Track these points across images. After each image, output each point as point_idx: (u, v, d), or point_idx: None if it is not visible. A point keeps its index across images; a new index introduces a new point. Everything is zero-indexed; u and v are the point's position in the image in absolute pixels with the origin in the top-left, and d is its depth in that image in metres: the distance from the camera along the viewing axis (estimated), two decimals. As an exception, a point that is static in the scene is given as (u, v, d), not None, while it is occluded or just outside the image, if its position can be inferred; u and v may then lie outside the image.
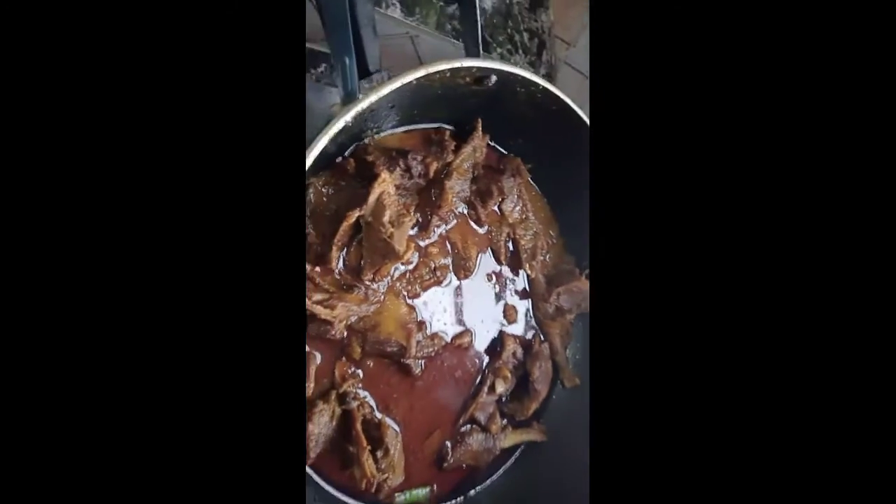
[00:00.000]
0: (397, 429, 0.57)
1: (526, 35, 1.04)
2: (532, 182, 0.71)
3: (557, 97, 0.59)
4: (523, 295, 0.71)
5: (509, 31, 1.01)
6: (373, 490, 0.49)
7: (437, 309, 0.62)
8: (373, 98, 0.42)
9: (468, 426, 0.64)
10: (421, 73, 0.44)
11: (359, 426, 0.49)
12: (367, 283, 0.53)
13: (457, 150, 0.61)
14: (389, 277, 0.56)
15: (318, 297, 0.48)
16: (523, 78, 0.55)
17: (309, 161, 0.40)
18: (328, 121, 0.42)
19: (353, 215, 0.49)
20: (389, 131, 0.57)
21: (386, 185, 0.50)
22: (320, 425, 0.48)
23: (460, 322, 0.64)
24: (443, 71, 0.47)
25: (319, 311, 0.46)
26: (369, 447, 0.49)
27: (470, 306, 0.65)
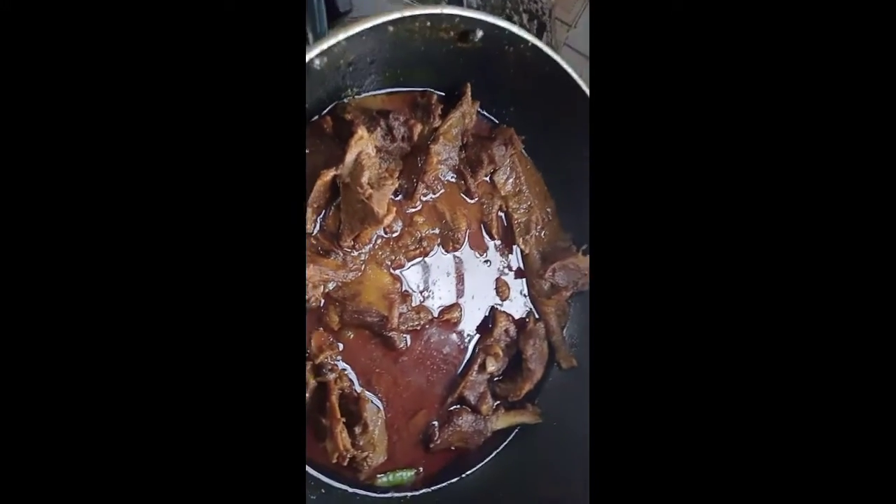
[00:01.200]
0: (379, 405, 0.54)
1: (525, 16, 1.01)
2: (526, 155, 0.68)
3: (549, 57, 0.56)
4: (517, 272, 0.68)
5: (508, 11, 0.99)
6: (344, 464, 0.46)
7: (423, 281, 0.59)
8: (341, 36, 0.39)
9: (457, 406, 0.61)
10: (395, 15, 0.41)
11: (333, 398, 0.47)
12: (347, 249, 0.50)
13: (444, 116, 0.58)
14: (371, 245, 0.53)
15: (290, 258, 0.45)
16: (510, 33, 0.52)
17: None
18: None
19: (328, 173, 0.47)
20: (372, 92, 0.54)
21: (364, 142, 0.47)
22: (293, 396, 0.45)
23: (449, 297, 0.61)
24: (421, 18, 0.44)
25: (289, 270, 0.44)
26: (344, 420, 0.46)
27: (460, 280, 0.62)
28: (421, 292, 0.58)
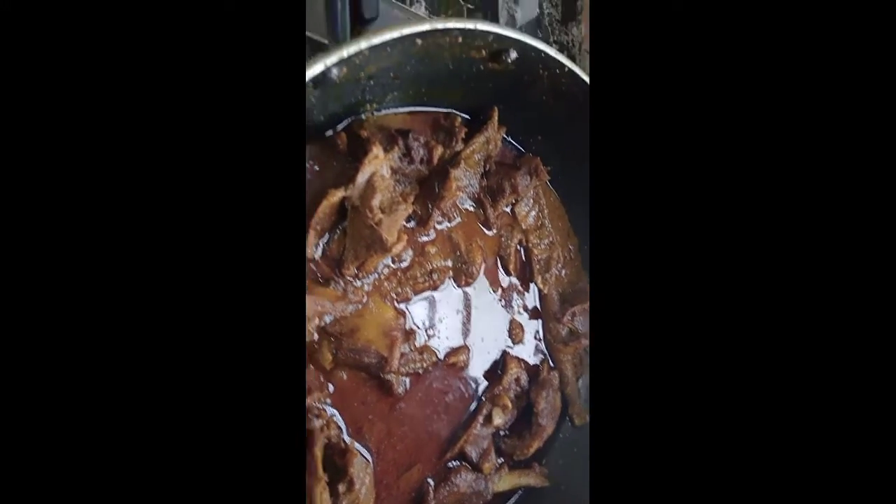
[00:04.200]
0: (368, 458, 0.47)
1: (556, 47, 0.99)
2: (551, 187, 0.63)
3: (586, 84, 0.51)
4: (533, 313, 0.62)
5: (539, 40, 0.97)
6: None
7: (429, 318, 0.53)
8: (364, 45, 0.35)
9: (456, 462, 0.54)
10: (425, 27, 0.37)
11: (317, 450, 0.40)
12: (349, 277, 0.45)
13: (468, 140, 0.53)
14: (376, 274, 0.48)
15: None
16: (547, 55, 0.48)
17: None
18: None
19: (337, 194, 0.42)
20: (392, 110, 0.50)
21: (378, 162, 0.42)
22: (270, 445, 0.39)
23: (456, 337, 0.55)
24: (454, 33, 0.40)
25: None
26: (327, 477, 0.40)
27: (470, 319, 0.56)
28: (426, 330, 0.53)
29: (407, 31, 0.37)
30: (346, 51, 0.34)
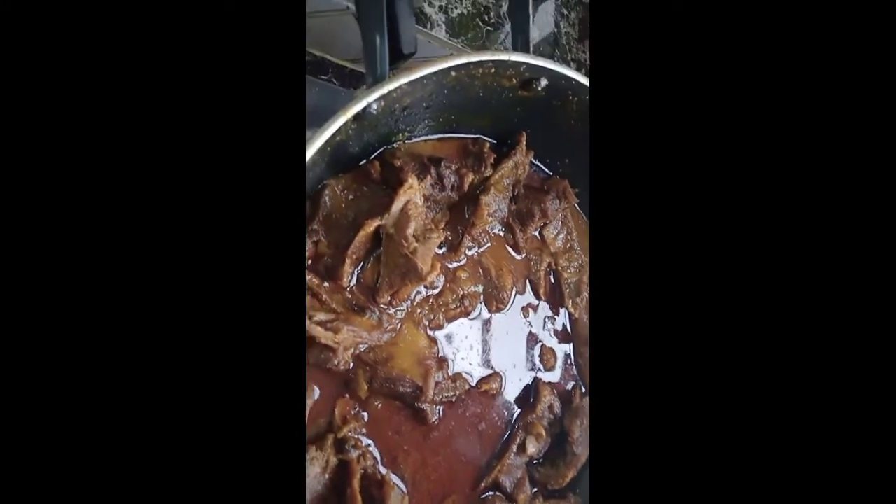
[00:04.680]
0: (404, 489, 0.46)
1: (574, 65, 1.00)
2: (579, 209, 0.63)
3: (615, 110, 0.51)
4: (564, 337, 0.61)
5: (557, 59, 0.97)
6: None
7: (462, 345, 0.52)
8: (403, 81, 0.36)
9: (490, 493, 0.52)
10: (462, 60, 0.38)
11: (356, 483, 0.40)
12: (383, 306, 0.45)
13: (496, 165, 0.54)
14: (409, 302, 0.48)
15: (321, 317, 0.40)
16: (577, 83, 0.48)
17: (320, 142, 0.34)
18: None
19: (373, 224, 0.42)
20: (423, 137, 0.50)
21: (413, 192, 0.43)
22: (310, 477, 0.38)
23: (488, 364, 0.54)
24: (487, 64, 0.41)
25: (320, 333, 0.38)
26: (365, 512, 0.39)
27: (501, 345, 0.55)
28: (458, 358, 0.52)
29: (444, 65, 0.37)
30: (387, 88, 0.35)
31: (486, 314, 0.55)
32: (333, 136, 0.34)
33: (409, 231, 0.43)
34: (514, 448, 0.53)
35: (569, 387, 0.59)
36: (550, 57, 0.94)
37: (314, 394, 0.43)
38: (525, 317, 0.58)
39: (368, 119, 0.38)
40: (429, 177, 0.46)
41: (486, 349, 0.54)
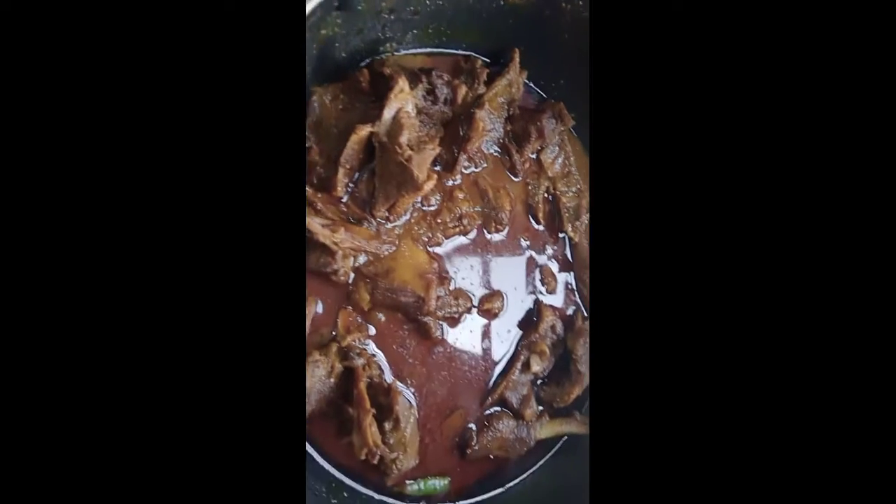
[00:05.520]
0: (412, 400, 0.47)
1: None
2: (575, 134, 0.62)
3: (610, 16, 0.50)
4: (563, 261, 0.61)
5: None
6: (374, 461, 0.39)
7: (462, 265, 0.52)
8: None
9: (497, 409, 0.53)
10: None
11: (362, 385, 0.40)
12: (380, 219, 0.45)
13: (490, 83, 0.52)
14: (407, 217, 0.47)
15: (318, 220, 0.40)
16: (569, -14, 0.46)
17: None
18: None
19: (364, 129, 0.41)
20: (412, 50, 0.49)
21: (404, 97, 0.42)
22: (314, 378, 0.39)
23: (488, 285, 0.54)
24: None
25: (318, 230, 0.38)
26: (374, 411, 0.40)
27: (501, 267, 0.55)
28: (460, 277, 0.52)
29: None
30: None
31: (485, 235, 0.54)
32: (318, 26, 0.33)
33: (403, 139, 0.42)
34: (519, 366, 0.54)
35: (570, 311, 0.60)
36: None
37: (317, 306, 0.43)
38: (525, 240, 0.57)
39: (353, 11, 0.36)
40: (420, 85, 0.45)
41: (486, 270, 0.54)
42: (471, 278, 0.53)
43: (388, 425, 0.42)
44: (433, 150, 0.45)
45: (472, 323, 0.52)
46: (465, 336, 0.52)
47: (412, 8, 0.43)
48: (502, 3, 0.47)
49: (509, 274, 0.56)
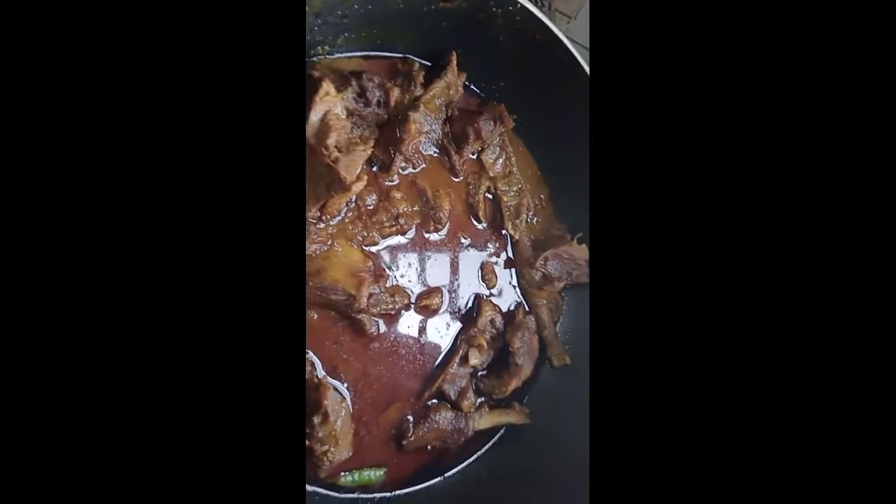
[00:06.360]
0: (346, 394, 0.48)
1: None
2: (516, 135, 0.64)
3: (540, 23, 0.51)
4: (506, 262, 0.63)
5: None
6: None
7: (400, 263, 0.54)
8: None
9: (435, 401, 0.55)
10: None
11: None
12: (311, 220, 0.46)
13: (427, 86, 0.54)
14: (340, 217, 0.48)
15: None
16: (497, -9, 0.48)
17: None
18: None
19: (290, 132, 0.42)
20: (346, 53, 0.50)
21: (330, 100, 0.43)
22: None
23: (427, 282, 0.56)
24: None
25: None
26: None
27: (441, 265, 0.57)
28: (396, 273, 0.53)
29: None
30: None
31: (424, 234, 0.56)
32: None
33: (330, 141, 0.43)
34: (458, 359, 0.56)
35: (511, 306, 0.62)
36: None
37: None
38: (465, 238, 0.59)
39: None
40: (350, 89, 0.46)
41: (424, 268, 0.56)
42: (409, 276, 0.55)
43: (316, 419, 0.43)
44: (364, 151, 0.46)
45: (410, 319, 0.54)
46: (403, 332, 0.53)
47: (340, 12, 0.44)
48: (433, 7, 0.48)
49: (449, 271, 0.57)
